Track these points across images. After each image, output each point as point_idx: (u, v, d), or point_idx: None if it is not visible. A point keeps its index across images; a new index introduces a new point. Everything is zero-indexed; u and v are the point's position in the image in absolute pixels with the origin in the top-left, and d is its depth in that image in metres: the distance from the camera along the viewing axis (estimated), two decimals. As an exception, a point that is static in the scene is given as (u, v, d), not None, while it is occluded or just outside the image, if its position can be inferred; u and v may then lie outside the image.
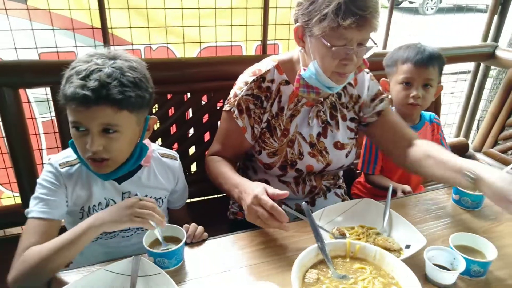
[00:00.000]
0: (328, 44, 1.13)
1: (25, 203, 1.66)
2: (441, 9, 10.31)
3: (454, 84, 3.15)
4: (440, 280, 0.99)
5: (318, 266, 0.94)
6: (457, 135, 2.67)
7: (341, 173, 1.53)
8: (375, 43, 1.19)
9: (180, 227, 1.08)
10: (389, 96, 1.62)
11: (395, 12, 2.14)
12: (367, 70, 1.43)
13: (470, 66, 2.57)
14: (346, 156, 1.40)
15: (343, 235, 1.14)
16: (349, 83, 1.40)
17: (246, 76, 1.33)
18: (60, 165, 1.11)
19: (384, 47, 2.16)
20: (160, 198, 1.25)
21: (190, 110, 1.79)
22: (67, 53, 1.65)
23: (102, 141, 1.01)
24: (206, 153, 1.44)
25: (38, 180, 1.11)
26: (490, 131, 2.35)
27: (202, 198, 1.93)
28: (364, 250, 0.97)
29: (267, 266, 1.05)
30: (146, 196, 1.19)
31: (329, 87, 1.25)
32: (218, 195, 1.92)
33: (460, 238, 1.08)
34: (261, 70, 1.32)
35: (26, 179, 1.63)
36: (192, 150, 1.87)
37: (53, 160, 1.13)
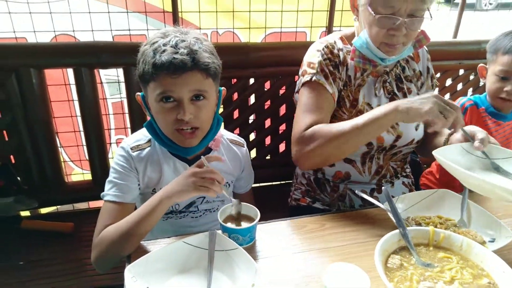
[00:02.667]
0: (372, 12, 1.12)
1: (96, 179, 1.75)
2: (501, 4, 9.71)
3: None
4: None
5: (400, 253, 0.91)
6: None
7: (408, 158, 1.46)
8: (430, 16, 1.16)
9: (253, 206, 1.08)
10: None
11: (452, 9, 2.03)
12: (426, 48, 1.41)
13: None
14: (416, 129, 1.35)
15: (418, 225, 1.09)
16: (411, 57, 1.39)
17: (316, 45, 1.32)
18: (131, 148, 1.15)
19: (455, 36, 2.05)
20: (226, 182, 1.27)
21: (253, 96, 1.79)
22: (138, 36, 1.71)
23: (192, 109, 1.05)
24: (296, 135, 1.24)
25: (112, 164, 1.16)
26: None
27: (260, 184, 1.93)
28: (449, 240, 0.92)
29: (342, 250, 1.03)
30: None
31: (381, 59, 1.23)
32: (278, 182, 1.93)
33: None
34: (328, 40, 1.31)
35: (97, 157, 1.72)
36: (251, 136, 1.88)
37: (125, 143, 1.17)
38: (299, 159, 1.24)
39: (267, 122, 1.85)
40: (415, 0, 1.09)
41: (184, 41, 1.02)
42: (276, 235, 1.10)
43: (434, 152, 1.11)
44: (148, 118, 1.15)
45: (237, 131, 1.80)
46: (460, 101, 1.62)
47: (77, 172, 1.99)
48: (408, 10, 1.11)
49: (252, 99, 1.80)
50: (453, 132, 1.25)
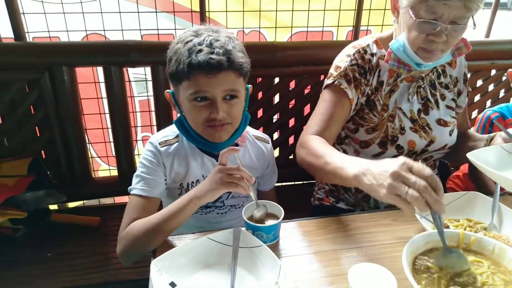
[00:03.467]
0: (413, 16, 1.09)
1: (122, 175, 1.78)
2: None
3: None
4: None
5: (427, 254, 0.88)
6: None
7: (438, 163, 1.43)
8: (474, 25, 1.11)
9: (277, 205, 1.08)
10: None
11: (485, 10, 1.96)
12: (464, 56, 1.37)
13: None
14: (450, 134, 1.32)
15: (446, 228, 1.06)
16: (448, 63, 1.36)
17: (347, 50, 1.30)
18: (160, 143, 1.17)
19: (487, 35, 1.99)
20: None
21: (278, 95, 1.79)
22: (166, 35, 1.74)
23: (225, 108, 1.06)
24: (302, 135, 1.25)
25: (140, 159, 1.18)
26: None
27: (283, 183, 1.93)
28: (481, 243, 0.89)
29: (368, 251, 1.01)
30: None
31: (418, 64, 1.20)
32: (301, 182, 1.92)
33: None
34: (361, 44, 1.29)
35: (124, 154, 1.76)
36: (275, 135, 1.88)
37: (154, 139, 1.19)
38: (296, 157, 1.23)
39: (291, 122, 1.84)
40: (460, 7, 1.05)
41: (218, 40, 1.03)
42: (299, 234, 1.09)
43: (468, 155, 1.08)
44: (176, 115, 1.17)
45: (261, 129, 1.80)
46: (486, 113, 1.57)
47: (104, 168, 2.04)
48: (451, 16, 1.07)
49: (276, 98, 1.80)
50: (493, 137, 1.22)
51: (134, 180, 1.15)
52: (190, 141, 1.17)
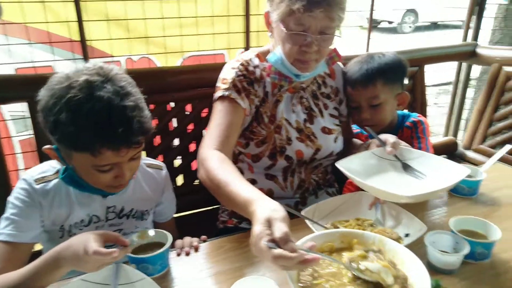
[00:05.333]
0: (285, 29, 1.14)
1: None
2: (418, 27, 10.62)
3: (437, 96, 3.19)
4: (444, 265, 0.94)
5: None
6: (446, 135, 2.66)
7: (329, 168, 1.48)
8: (339, 35, 1.20)
9: (164, 231, 1.01)
10: None
11: (375, 33, 2.17)
12: (341, 64, 1.46)
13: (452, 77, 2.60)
14: (335, 141, 1.37)
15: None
16: (328, 75, 1.42)
17: (231, 64, 1.31)
18: (36, 181, 1.04)
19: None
20: (146, 210, 1.20)
21: (175, 120, 1.74)
22: (44, 68, 1.61)
23: (130, 166, 1.01)
24: (201, 148, 1.19)
25: (10, 198, 1.03)
26: (478, 128, 2.34)
27: (190, 212, 1.85)
28: (363, 238, 0.91)
29: (259, 265, 0.99)
30: (132, 210, 1.14)
31: (296, 75, 1.25)
32: (207, 208, 1.85)
33: (461, 222, 1.03)
34: (243, 58, 1.31)
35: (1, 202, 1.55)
36: (177, 162, 1.81)
37: (28, 175, 1.05)
38: (198, 174, 1.16)
39: (192, 146, 1.79)
40: (324, 18, 1.12)
41: (125, 106, 0.92)
42: (192, 259, 1.03)
43: (337, 163, 1.14)
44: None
45: (160, 157, 1.72)
46: None
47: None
48: (319, 27, 1.14)
49: (174, 123, 1.75)
50: (369, 144, 1.29)
51: (2, 223, 1.00)
52: (80, 191, 1.06)
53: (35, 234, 1.04)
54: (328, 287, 0.80)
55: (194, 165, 1.82)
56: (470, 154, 2.33)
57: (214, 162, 1.07)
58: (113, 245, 0.88)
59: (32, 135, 1.54)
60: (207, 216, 1.85)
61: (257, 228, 0.77)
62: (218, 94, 1.26)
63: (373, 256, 0.83)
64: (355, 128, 1.58)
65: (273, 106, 1.30)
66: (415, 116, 1.51)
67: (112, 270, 0.88)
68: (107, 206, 1.10)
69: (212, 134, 1.19)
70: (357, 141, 1.49)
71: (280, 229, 0.74)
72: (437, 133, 2.77)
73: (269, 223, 0.76)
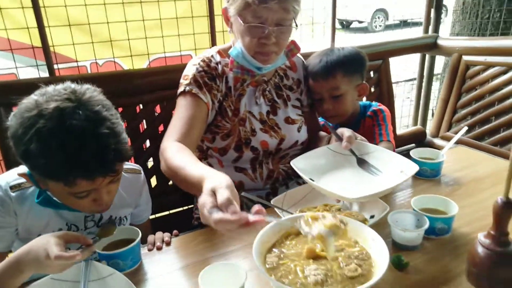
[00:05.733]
0: (242, 22, 1.17)
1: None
2: (389, 26, 10.88)
3: (409, 91, 3.30)
4: (407, 241, 0.97)
5: (277, 247, 0.90)
6: (414, 125, 2.75)
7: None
8: (296, 25, 1.24)
9: (134, 227, 1.02)
10: None
11: (347, 33, 2.22)
12: (301, 57, 1.50)
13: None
14: (298, 130, 1.40)
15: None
16: (289, 67, 1.46)
17: (193, 61, 1.33)
18: (11, 188, 1.00)
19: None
20: (124, 216, 1.19)
21: (144, 121, 1.74)
22: (7, 75, 1.59)
23: (108, 190, 0.98)
24: (162, 142, 1.21)
25: None
26: (444, 116, 2.43)
27: (165, 213, 1.85)
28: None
29: (230, 255, 1.00)
30: (110, 216, 1.11)
31: (258, 68, 1.28)
32: (182, 208, 1.86)
33: (422, 201, 1.08)
34: (205, 55, 1.34)
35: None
36: (149, 164, 1.81)
37: (3, 181, 1.00)
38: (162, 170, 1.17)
39: (164, 147, 1.79)
40: (279, 10, 1.15)
41: (100, 136, 0.88)
42: (164, 254, 1.04)
43: (292, 162, 1.16)
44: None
45: (132, 160, 1.72)
46: None
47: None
48: (275, 19, 1.17)
49: (144, 125, 1.75)
50: (330, 138, 1.31)
51: None
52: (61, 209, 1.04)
53: (8, 244, 1.02)
54: (293, 266, 0.82)
55: (167, 166, 1.81)
56: (438, 141, 2.41)
57: (172, 150, 1.10)
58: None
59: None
60: (182, 216, 1.85)
61: (202, 198, 0.78)
62: (180, 89, 1.29)
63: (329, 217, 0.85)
64: (321, 120, 1.62)
65: (236, 100, 1.33)
66: (375, 106, 1.56)
67: (81, 267, 0.88)
68: (85, 216, 1.08)
69: (173, 127, 1.21)
70: (322, 134, 1.53)
71: (222, 195, 0.75)
72: (410, 126, 2.86)
73: (213, 192, 0.77)
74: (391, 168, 1.16)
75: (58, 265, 0.81)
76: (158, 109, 1.74)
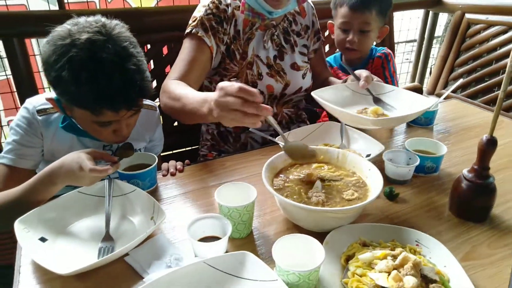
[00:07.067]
0: None
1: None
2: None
3: (409, 52, 3.33)
4: (399, 176, 1.08)
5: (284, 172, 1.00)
6: (412, 82, 2.81)
7: (301, 105, 1.58)
8: None
9: (150, 153, 1.10)
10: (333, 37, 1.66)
11: None
12: (310, 2, 1.54)
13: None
14: (303, 77, 1.47)
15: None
16: (298, 13, 1.50)
17: (203, 1, 1.36)
18: (38, 111, 1.06)
19: None
20: (139, 149, 1.26)
21: (152, 62, 1.78)
22: (17, 6, 1.59)
23: (127, 122, 1.04)
24: (164, 82, 1.27)
25: (12, 124, 1.07)
26: (441, 74, 2.49)
27: (171, 152, 1.93)
28: (327, 154, 1.04)
29: (239, 180, 1.10)
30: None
31: (269, 12, 1.32)
32: (189, 148, 1.94)
33: (415, 143, 1.17)
34: None
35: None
36: (156, 103, 1.86)
37: (30, 104, 1.06)
38: (160, 104, 1.26)
39: (170, 88, 1.84)
40: None
41: (126, 70, 0.93)
42: (177, 179, 1.13)
43: (312, 93, 1.24)
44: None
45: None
46: None
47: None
48: None
49: (152, 65, 1.78)
50: (346, 80, 1.40)
51: (6, 147, 1.05)
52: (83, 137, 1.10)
53: (35, 163, 1.09)
54: (297, 188, 0.92)
55: (172, 106, 1.87)
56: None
57: (174, 85, 1.18)
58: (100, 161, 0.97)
59: (10, 76, 1.55)
60: (188, 155, 1.94)
61: (220, 84, 0.88)
62: (187, 30, 1.33)
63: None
64: (332, 65, 1.69)
65: (244, 43, 1.37)
66: (384, 49, 1.65)
67: (105, 184, 0.97)
68: (104, 145, 1.15)
69: (175, 68, 1.28)
70: (334, 79, 1.57)
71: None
72: (408, 83, 2.92)
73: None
74: (405, 106, 1.26)
75: (91, 177, 0.89)
76: (165, 50, 1.77)
